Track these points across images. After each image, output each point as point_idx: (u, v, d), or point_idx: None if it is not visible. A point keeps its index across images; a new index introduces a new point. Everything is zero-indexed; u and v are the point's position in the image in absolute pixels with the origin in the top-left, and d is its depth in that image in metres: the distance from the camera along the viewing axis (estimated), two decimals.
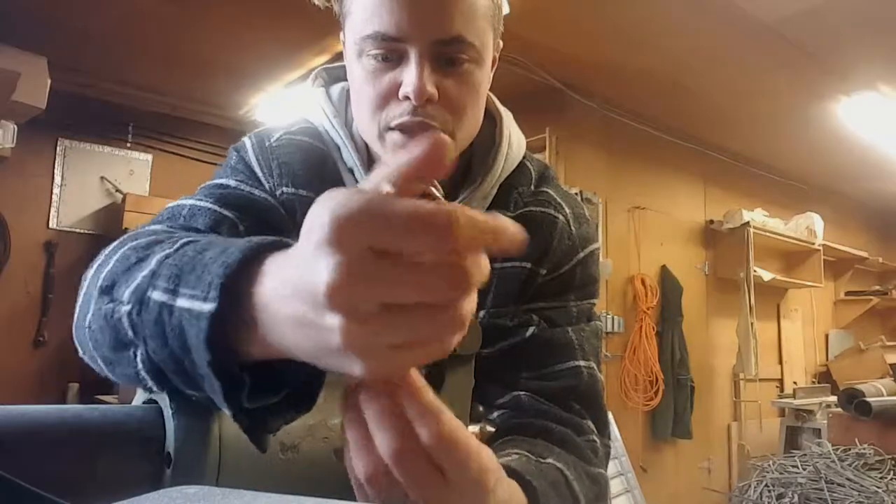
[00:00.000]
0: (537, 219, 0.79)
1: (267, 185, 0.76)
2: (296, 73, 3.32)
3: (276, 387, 0.38)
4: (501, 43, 0.78)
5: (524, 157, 0.84)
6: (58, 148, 3.63)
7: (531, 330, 0.76)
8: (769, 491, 2.87)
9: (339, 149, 0.79)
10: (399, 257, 0.30)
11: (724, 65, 3.25)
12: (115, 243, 0.56)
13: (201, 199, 0.72)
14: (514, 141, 0.82)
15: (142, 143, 3.87)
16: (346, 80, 0.80)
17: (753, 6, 2.66)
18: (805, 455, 2.98)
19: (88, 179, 3.71)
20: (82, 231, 3.66)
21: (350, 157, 0.78)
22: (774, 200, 4.95)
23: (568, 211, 0.82)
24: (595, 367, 0.79)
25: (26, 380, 3.42)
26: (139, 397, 0.42)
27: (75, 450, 0.35)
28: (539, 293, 0.79)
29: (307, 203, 0.76)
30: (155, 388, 0.41)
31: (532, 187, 0.82)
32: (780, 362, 5.00)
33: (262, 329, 0.35)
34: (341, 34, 0.76)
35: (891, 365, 4.56)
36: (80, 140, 3.70)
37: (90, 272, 0.55)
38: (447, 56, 0.68)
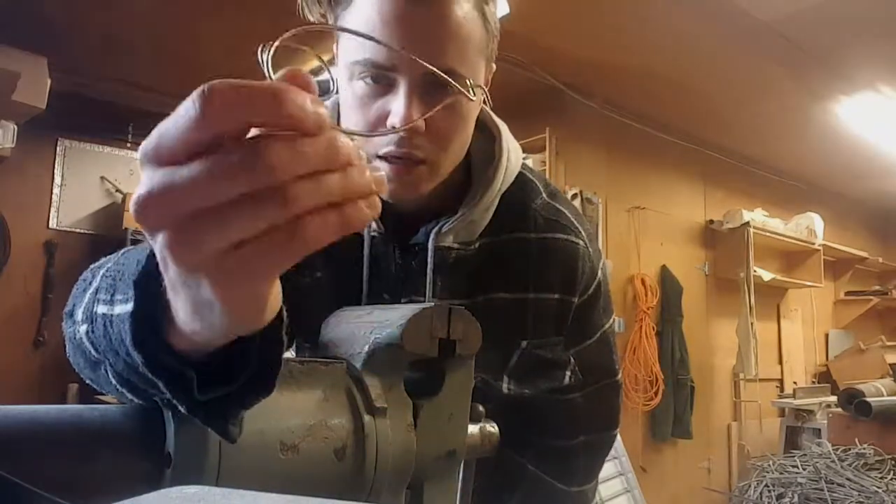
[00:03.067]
0: (561, 247, 0.80)
1: None
2: None
3: (230, 375, 0.37)
4: (494, 66, 0.78)
5: (521, 168, 0.85)
6: (58, 148, 3.63)
7: (567, 376, 0.80)
8: (769, 491, 2.87)
9: None
10: (200, 158, 0.29)
11: (724, 65, 3.25)
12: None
13: None
14: (512, 154, 0.83)
15: (142, 143, 3.87)
16: (334, 93, 0.80)
17: (753, 6, 2.66)
18: (805, 455, 2.98)
19: (88, 179, 3.71)
20: (82, 231, 3.66)
21: None
22: (774, 200, 4.95)
23: (583, 233, 0.84)
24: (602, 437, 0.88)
25: (26, 380, 3.42)
26: None
27: (75, 450, 0.35)
28: (576, 322, 0.82)
29: None
30: (135, 400, 0.41)
31: (545, 199, 0.83)
32: (780, 362, 5.00)
33: (173, 318, 0.34)
34: (334, 47, 0.75)
35: (891, 365, 4.56)
36: (80, 140, 3.70)
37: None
38: (437, 87, 0.68)
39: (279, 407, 0.41)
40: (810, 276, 4.93)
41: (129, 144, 3.84)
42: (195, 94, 0.28)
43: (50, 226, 3.58)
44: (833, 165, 4.81)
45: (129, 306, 0.36)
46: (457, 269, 0.76)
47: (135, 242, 3.48)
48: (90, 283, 0.48)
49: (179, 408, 0.36)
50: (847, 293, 5.75)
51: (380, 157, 0.69)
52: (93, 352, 0.44)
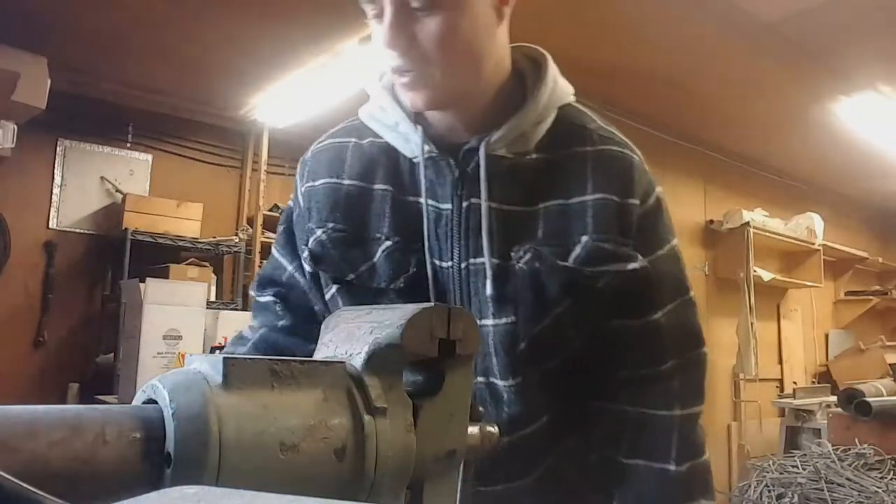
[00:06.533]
0: (616, 156, 0.87)
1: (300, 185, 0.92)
2: (296, 73, 3.32)
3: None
4: None
5: (578, 103, 0.92)
6: (58, 148, 3.63)
7: (635, 266, 0.82)
8: (769, 491, 2.87)
9: (382, 110, 0.87)
10: None
11: (724, 65, 3.25)
12: None
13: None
14: (560, 80, 0.91)
15: (142, 143, 3.87)
16: None
17: (753, 6, 2.66)
18: (805, 455, 2.98)
19: (88, 179, 3.71)
20: (82, 231, 3.66)
21: (394, 112, 0.85)
22: (774, 200, 4.96)
23: (640, 156, 0.90)
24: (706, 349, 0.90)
25: (26, 380, 3.42)
26: (139, 397, 0.42)
27: (75, 450, 0.35)
28: (643, 232, 0.84)
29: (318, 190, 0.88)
30: None
31: (600, 124, 0.91)
32: (780, 362, 5.00)
33: None
34: None
35: (891, 365, 4.56)
36: (80, 140, 3.70)
37: None
38: (417, 5, 0.73)
39: (279, 407, 0.41)
40: (810, 276, 4.93)
41: (128, 144, 3.84)
42: None
43: (50, 226, 3.58)
44: (833, 165, 4.81)
45: None
46: (513, 177, 0.82)
47: (134, 242, 3.48)
48: None
49: None
50: (847, 293, 5.75)
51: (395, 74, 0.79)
52: None
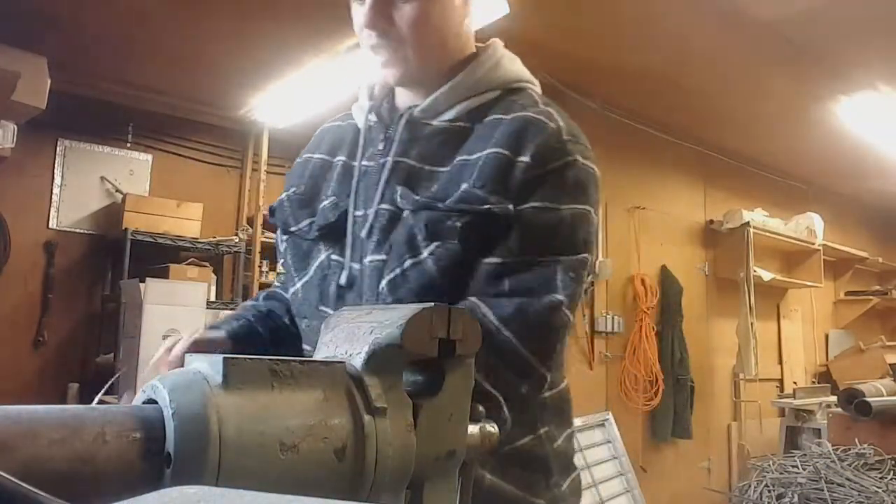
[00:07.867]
0: (528, 119, 0.87)
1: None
2: (296, 73, 3.32)
3: None
4: None
5: (534, 90, 0.96)
6: (58, 148, 3.63)
7: (494, 206, 0.82)
8: (769, 491, 2.87)
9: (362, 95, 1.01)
10: None
11: (723, 65, 3.25)
12: None
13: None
14: (505, 61, 0.95)
15: (142, 143, 3.87)
16: None
17: (753, 6, 2.66)
18: (805, 455, 2.98)
19: (88, 179, 3.72)
20: (82, 231, 3.66)
21: (363, 98, 0.99)
22: (774, 200, 4.96)
23: (563, 125, 0.88)
24: (563, 301, 0.80)
25: (26, 380, 3.42)
26: (139, 397, 0.42)
27: (75, 450, 0.35)
28: (527, 188, 0.83)
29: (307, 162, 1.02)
30: None
31: (539, 103, 0.92)
32: (780, 362, 5.00)
33: None
34: None
35: (891, 365, 4.56)
36: (80, 140, 3.71)
37: None
38: None
39: (279, 407, 0.41)
40: (810, 276, 4.93)
41: (128, 144, 3.84)
42: None
43: (50, 226, 3.58)
44: (833, 165, 4.81)
45: None
46: (433, 140, 0.91)
47: (134, 242, 3.48)
48: None
49: None
50: (847, 293, 5.75)
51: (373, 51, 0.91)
52: None
